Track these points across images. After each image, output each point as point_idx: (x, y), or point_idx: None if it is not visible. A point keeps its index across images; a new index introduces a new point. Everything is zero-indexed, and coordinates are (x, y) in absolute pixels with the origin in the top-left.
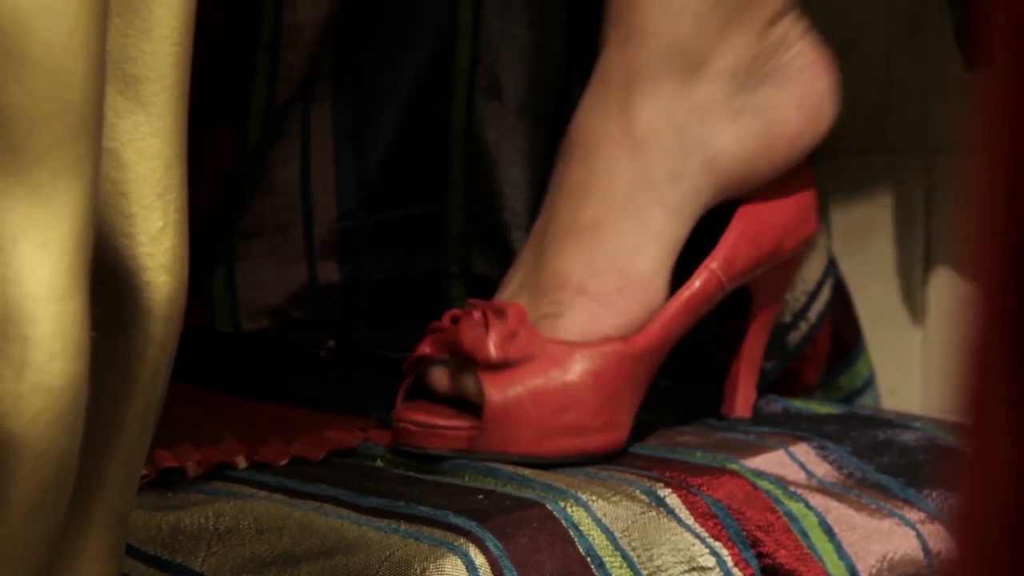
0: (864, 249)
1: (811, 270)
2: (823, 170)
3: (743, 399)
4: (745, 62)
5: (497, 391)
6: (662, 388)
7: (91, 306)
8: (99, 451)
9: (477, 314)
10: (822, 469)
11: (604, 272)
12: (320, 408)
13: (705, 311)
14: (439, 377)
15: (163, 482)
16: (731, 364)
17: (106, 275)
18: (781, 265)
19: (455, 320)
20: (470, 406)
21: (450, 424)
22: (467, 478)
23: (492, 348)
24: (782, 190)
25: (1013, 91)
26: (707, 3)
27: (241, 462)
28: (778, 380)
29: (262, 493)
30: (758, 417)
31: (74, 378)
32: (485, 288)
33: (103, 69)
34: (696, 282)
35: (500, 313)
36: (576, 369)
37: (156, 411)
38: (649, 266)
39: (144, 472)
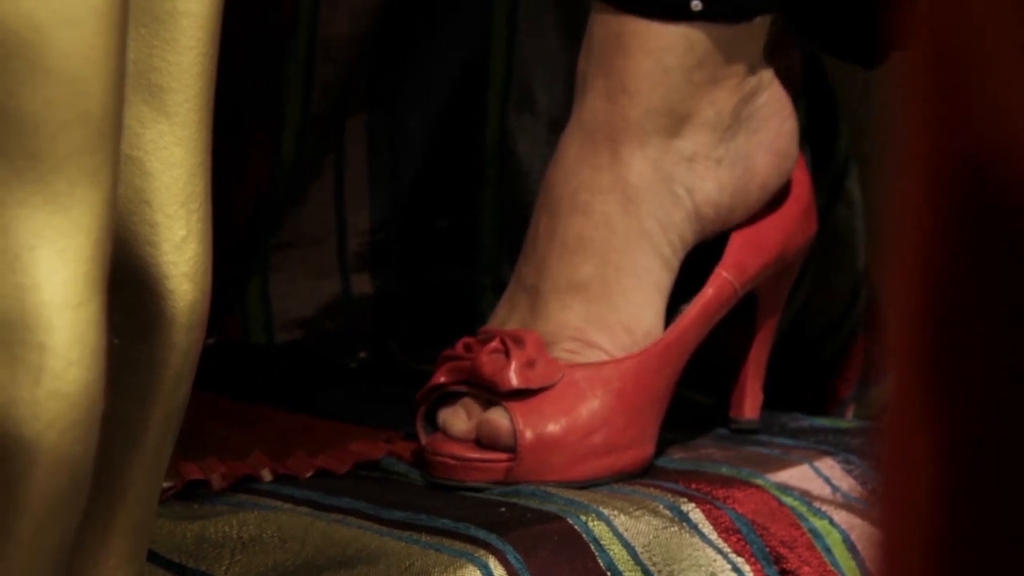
0: None
1: (845, 284)
2: (857, 182)
3: (751, 402)
4: (726, 113)
5: (528, 424)
6: (686, 402)
7: (114, 313)
8: (121, 458)
9: (495, 343)
10: (847, 483)
11: (614, 329)
12: (349, 420)
13: (719, 318)
14: (455, 421)
15: (189, 493)
16: (738, 369)
17: (129, 283)
18: (785, 269)
19: (468, 348)
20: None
21: (486, 457)
22: (489, 491)
23: (513, 376)
24: (777, 195)
25: (930, 95)
26: (694, 60)
27: (266, 475)
28: (810, 396)
29: (287, 505)
30: (784, 431)
31: (90, 385)
32: None
33: (122, 79)
34: (710, 290)
35: (518, 341)
36: (599, 390)
37: (178, 419)
38: (652, 320)
39: (170, 484)
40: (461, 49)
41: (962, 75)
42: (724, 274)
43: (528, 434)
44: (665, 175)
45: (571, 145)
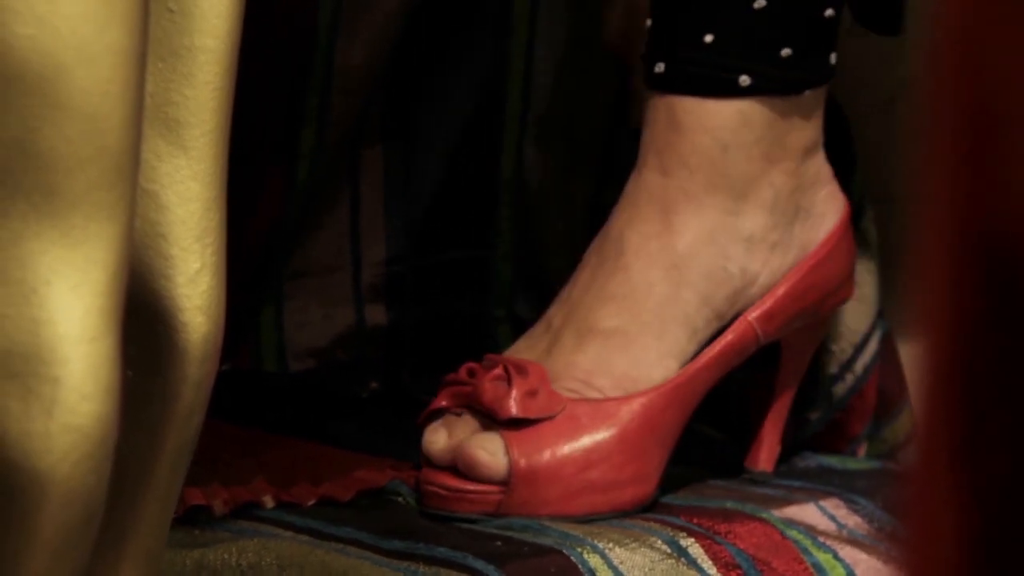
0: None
1: (859, 322)
2: (872, 222)
3: (767, 453)
4: (784, 195)
5: (523, 454)
6: (698, 439)
7: (128, 346)
8: (132, 489)
9: (498, 370)
10: (852, 521)
11: (620, 378)
12: (359, 450)
13: (737, 363)
14: (439, 449)
15: (191, 519)
16: (758, 419)
17: (143, 315)
18: (815, 323)
19: (471, 373)
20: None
21: (479, 488)
22: (486, 523)
23: (513, 404)
24: (833, 254)
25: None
26: (751, 136)
27: (269, 502)
28: (823, 432)
29: (287, 533)
30: (790, 471)
31: (103, 419)
32: None
33: (140, 116)
34: (731, 335)
35: (521, 370)
36: (600, 426)
37: (190, 450)
38: (662, 380)
39: None
40: (478, 81)
41: (992, 142)
42: (749, 319)
43: (522, 462)
44: (720, 250)
45: (620, 216)
